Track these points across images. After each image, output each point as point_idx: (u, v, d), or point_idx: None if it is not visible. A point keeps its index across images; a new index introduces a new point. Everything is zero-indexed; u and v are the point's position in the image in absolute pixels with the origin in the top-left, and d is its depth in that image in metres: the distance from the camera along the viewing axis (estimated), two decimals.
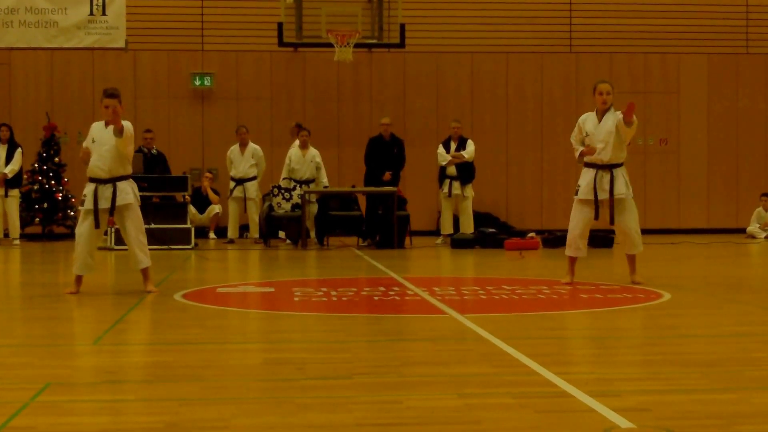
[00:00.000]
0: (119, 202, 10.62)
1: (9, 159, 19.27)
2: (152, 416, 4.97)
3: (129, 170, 10.87)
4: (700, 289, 11.22)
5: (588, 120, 11.37)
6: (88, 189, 10.66)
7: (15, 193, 19.36)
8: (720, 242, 19.83)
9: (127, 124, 10.60)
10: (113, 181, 10.63)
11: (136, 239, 10.78)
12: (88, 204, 10.60)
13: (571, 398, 5.29)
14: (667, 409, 5.03)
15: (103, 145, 10.65)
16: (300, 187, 19.14)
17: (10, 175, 19.18)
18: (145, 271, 10.84)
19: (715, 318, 8.87)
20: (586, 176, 11.29)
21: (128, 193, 10.70)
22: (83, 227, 10.64)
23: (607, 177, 11.18)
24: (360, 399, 5.35)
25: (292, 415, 4.97)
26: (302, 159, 19.54)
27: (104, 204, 10.60)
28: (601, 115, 11.29)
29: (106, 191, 10.61)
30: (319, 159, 19.65)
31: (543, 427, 4.74)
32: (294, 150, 19.67)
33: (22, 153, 19.46)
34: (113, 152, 10.63)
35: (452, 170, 19.44)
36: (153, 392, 5.58)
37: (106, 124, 10.66)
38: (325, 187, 19.60)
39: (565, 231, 11.58)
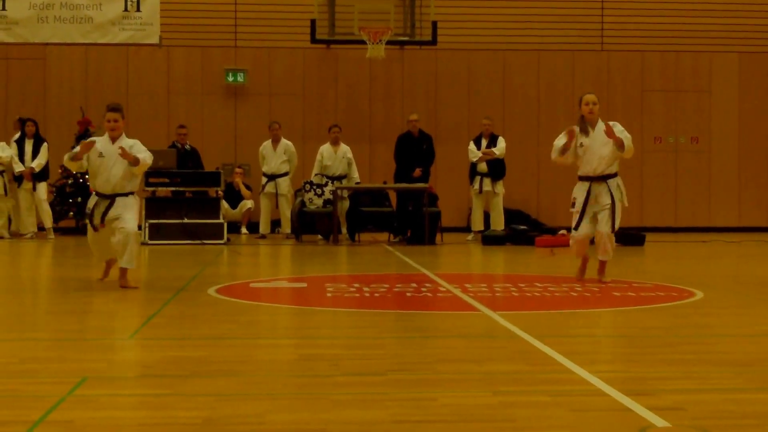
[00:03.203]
0: (111, 214, 10.78)
1: (35, 153, 19.47)
2: (189, 411, 4.99)
3: (135, 186, 11.03)
4: (733, 288, 11.18)
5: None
6: (95, 201, 10.92)
7: (42, 185, 19.54)
8: (751, 241, 19.74)
9: (142, 156, 10.79)
10: (114, 197, 10.81)
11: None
12: (96, 215, 10.88)
13: (607, 397, 5.29)
14: (702, 409, 5.03)
15: (111, 161, 10.79)
16: (332, 183, 19.18)
17: (37, 169, 19.40)
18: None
19: (748, 317, 8.84)
20: (582, 189, 11.25)
21: (123, 205, 10.81)
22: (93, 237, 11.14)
23: (601, 188, 11.16)
24: (395, 396, 5.36)
25: (327, 411, 4.99)
26: (334, 155, 19.59)
27: (105, 214, 10.83)
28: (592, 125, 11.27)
29: (103, 204, 10.83)
30: (350, 155, 19.70)
31: (578, 425, 4.74)
32: (326, 146, 19.72)
33: (48, 147, 19.64)
34: (121, 171, 10.80)
35: (483, 167, 19.44)
36: (189, 387, 5.61)
37: (112, 140, 10.83)
38: (357, 183, 19.64)
39: None
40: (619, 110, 22.17)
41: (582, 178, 11.28)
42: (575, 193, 11.31)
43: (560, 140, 11.31)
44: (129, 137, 10.97)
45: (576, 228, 11.26)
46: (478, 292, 10.35)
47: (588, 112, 11.21)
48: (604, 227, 11.14)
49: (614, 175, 11.21)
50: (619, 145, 10.98)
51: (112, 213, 10.74)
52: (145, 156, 10.84)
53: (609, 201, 11.11)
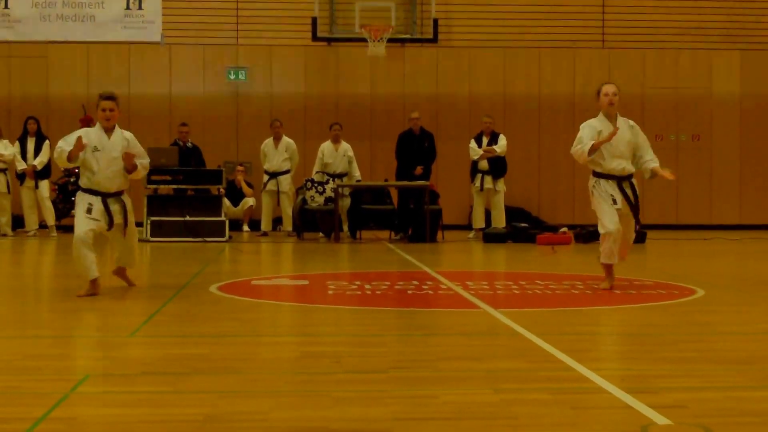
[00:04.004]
0: (118, 219, 10.02)
1: (37, 151, 19.50)
2: (191, 408, 5.01)
3: (128, 183, 10.23)
4: (734, 286, 11.19)
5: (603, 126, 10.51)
6: (95, 200, 9.89)
7: (45, 183, 19.57)
8: (753, 238, 19.74)
9: (141, 163, 10.07)
10: (119, 194, 10.05)
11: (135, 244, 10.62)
12: (99, 216, 9.90)
13: (608, 394, 5.30)
14: (704, 407, 5.03)
15: (110, 155, 9.89)
16: (333, 180, 19.18)
17: (39, 167, 19.41)
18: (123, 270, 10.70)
19: (749, 315, 8.85)
20: (610, 186, 10.53)
21: (128, 209, 10.12)
22: (90, 236, 9.86)
23: (627, 187, 10.49)
24: (396, 393, 5.37)
25: (329, 408, 5.00)
26: (335, 153, 19.60)
27: (117, 219, 10.00)
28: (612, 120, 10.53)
29: (114, 205, 10.01)
30: (351, 153, 19.71)
31: (580, 423, 4.75)
32: (326, 144, 19.73)
33: (50, 145, 19.65)
34: (120, 166, 9.95)
35: (484, 165, 19.44)
36: (191, 384, 5.62)
37: (106, 131, 9.91)
38: (358, 181, 19.65)
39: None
40: (620, 108, 22.11)
41: (603, 175, 10.63)
42: (609, 190, 10.54)
43: (586, 145, 10.40)
44: (131, 136, 10.44)
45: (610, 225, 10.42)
46: (479, 289, 10.35)
47: (608, 104, 10.47)
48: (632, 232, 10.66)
49: (632, 176, 10.54)
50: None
51: (119, 218, 9.99)
52: (144, 163, 10.10)
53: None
